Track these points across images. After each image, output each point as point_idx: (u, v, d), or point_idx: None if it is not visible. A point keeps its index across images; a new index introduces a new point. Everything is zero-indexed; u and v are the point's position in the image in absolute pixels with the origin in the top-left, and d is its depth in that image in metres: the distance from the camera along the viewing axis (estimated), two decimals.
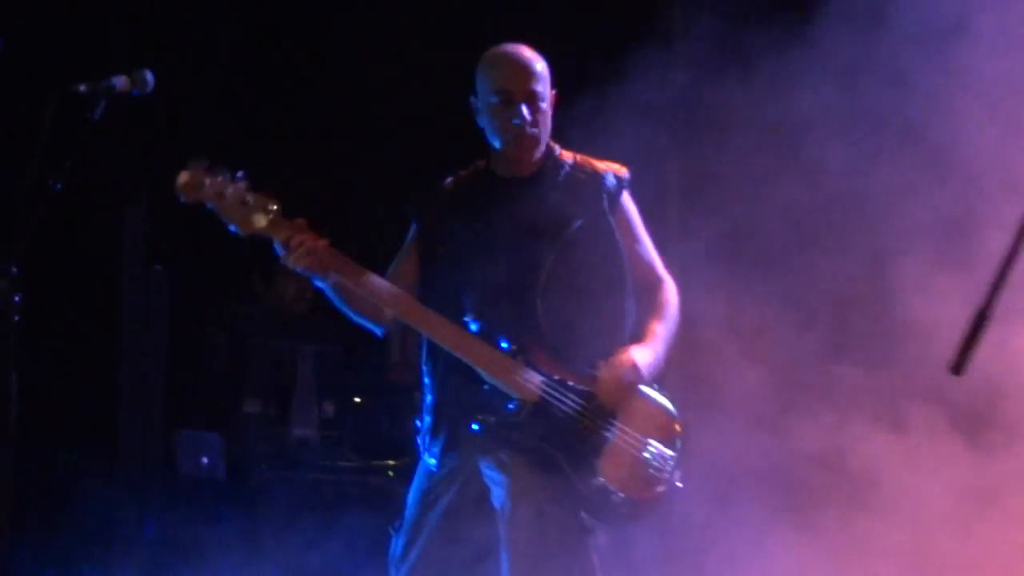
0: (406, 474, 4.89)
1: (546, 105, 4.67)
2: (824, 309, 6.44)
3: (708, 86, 6.89)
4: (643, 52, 6.93)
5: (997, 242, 3.39)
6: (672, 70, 7.30)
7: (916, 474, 5.76)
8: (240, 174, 4.32)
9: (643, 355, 4.54)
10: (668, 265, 5.09)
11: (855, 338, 6.53)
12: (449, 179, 4.91)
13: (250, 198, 4.35)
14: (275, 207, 4.46)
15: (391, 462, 6.30)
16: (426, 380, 4.64)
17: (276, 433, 7.22)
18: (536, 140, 4.62)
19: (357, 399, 7.32)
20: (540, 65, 4.70)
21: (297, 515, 6.22)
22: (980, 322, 3.23)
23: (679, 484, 4.60)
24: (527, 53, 4.73)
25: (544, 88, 4.67)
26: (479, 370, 4.45)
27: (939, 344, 4.45)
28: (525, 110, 4.59)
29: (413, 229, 4.86)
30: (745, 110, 6.50)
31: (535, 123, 4.63)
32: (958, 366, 3.23)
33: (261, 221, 4.47)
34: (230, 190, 4.28)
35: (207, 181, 4.24)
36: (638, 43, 7.07)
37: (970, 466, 5.61)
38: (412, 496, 4.64)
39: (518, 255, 4.63)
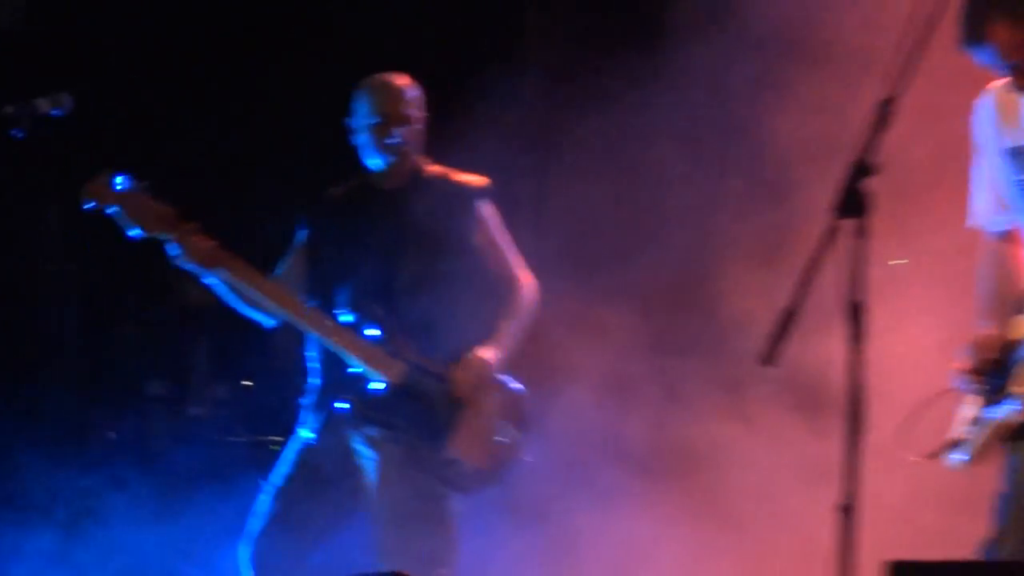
0: None
1: (417, 127, 4.92)
2: (660, 304, 6.51)
3: (557, 104, 7.14)
4: (500, 74, 7.14)
5: (809, 245, 3.49)
6: (525, 89, 7.36)
7: (753, 452, 5.94)
8: (141, 183, 4.67)
9: (493, 353, 4.85)
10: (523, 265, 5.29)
11: (689, 330, 6.58)
12: (332, 190, 5.15)
13: (149, 204, 4.58)
14: (171, 212, 4.71)
15: (276, 438, 6.38)
16: (309, 366, 4.88)
17: (176, 411, 7.38)
18: (407, 157, 4.89)
19: (247, 382, 7.47)
20: (412, 92, 4.97)
21: (195, 483, 6.41)
22: (787, 318, 3.37)
23: (527, 459, 4.92)
24: (401, 81, 5.10)
25: (415, 112, 4.94)
26: (348, 356, 4.72)
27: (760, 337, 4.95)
28: (399, 131, 4.84)
29: (301, 233, 5.10)
30: (591, 125, 6.73)
31: (407, 142, 4.97)
32: (767, 358, 3.39)
33: (158, 225, 4.72)
34: (131, 197, 4.54)
35: (111, 189, 4.59)
36: (496, 66, 7.26)
37: (804, 444, 5.66)
38: (286, 462, 4.85)
39: (387, 257, 4.94)
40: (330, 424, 4.82)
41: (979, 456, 4.12)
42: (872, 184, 3.41)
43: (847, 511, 3.28)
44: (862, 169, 3.41)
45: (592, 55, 7.12)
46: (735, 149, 6.36)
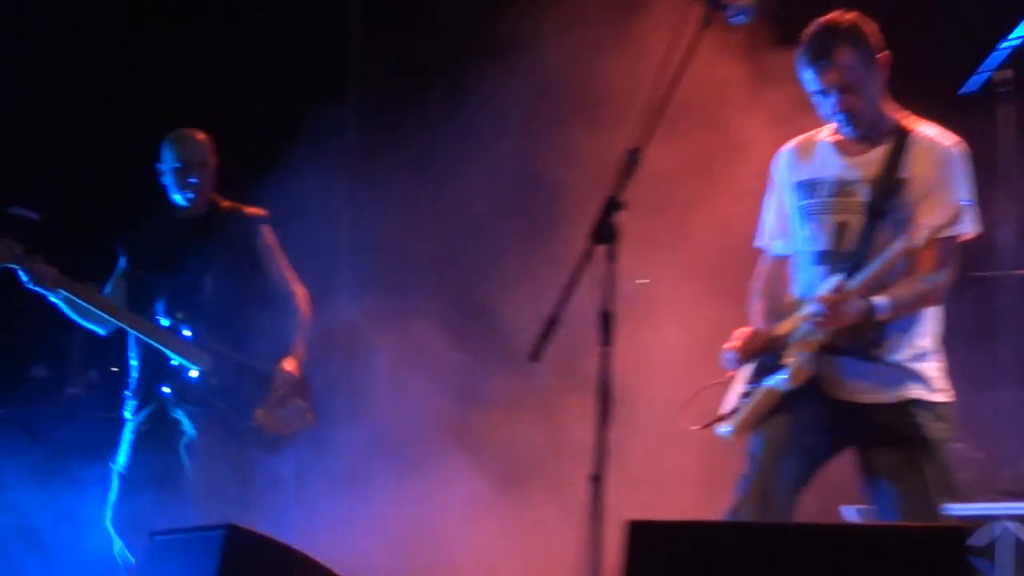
0: None
1: (211, 170, 5.61)
2: (457, 314, 6.74)
3: (375, 137, 7.23)
4: (323, 109, 7.24)
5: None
6: (345, 123, 7.47)
7: (535, 431, 6.13)
8: None
9: (294, 361, 5.55)
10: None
11: (480, 334, 6.69)
12: (143, 221, 5.77)
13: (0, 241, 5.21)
14: (19, 247, 5.25)
15: None
16: (131, 362, 5.53)
17: (56, 391, 7.53)
18: (203, 194, 5.56)
19: (114, 368, 7.32)
20: (207, 143, 5.63)
21: (73, 454, 6.62)
22: (549, 325, 3.56)
23: (311, 423, 5.63)
24: (199, 135, 5.65)
25: (210, 158, 5.62)
26: (169, 351, 5.42)
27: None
28: (198, 174, 5.53)
29: (121, 257, 5.74)
30: (402, 157, 6.88)
31: (203, 183, 5.58)
32: (533, 355, 3.57)
33: (8, 257, 5.28)
34: None
35: None
36: (320, 101, 7.34)
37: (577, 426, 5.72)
38: (126, 441, 5.49)
39: (192, 273, 5.56)
40: (157, 405, 5.46)
41: (742, 426, 4.25)
42: (620, 217, 3.54)
43: (596, 480, 3.42)
44: (612, 205, 3.54)
45: (408, 90, 7.26)
46: (519, 184, 6.46)
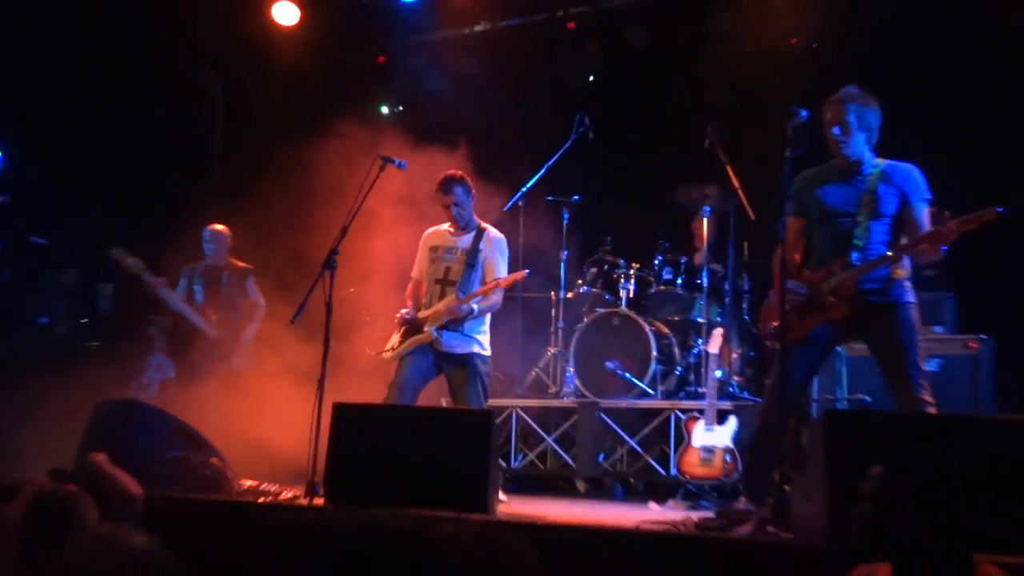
0: None
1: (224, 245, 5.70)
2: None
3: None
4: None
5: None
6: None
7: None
8: None
9: None
10: None
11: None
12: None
13: None
14: (143, 264, 5.26)
15: None
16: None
17: None
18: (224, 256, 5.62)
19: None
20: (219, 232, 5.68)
21: None
22: (302, 306, 3.95)
23: None
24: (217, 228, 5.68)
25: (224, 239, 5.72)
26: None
27: None
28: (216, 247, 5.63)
29: (182, 280, 5.68)
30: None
31: (220, 248, 5.68)
32: (293, 319, 4.00)
33: (142, 270, 5.27)
34: None
35: None
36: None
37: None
38: None
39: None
40: None
41: (396, 355, 4.50)
42: (337, 259, 4.03)
43: (320, 382, 3.81)
44: (334, 252, 4.05)
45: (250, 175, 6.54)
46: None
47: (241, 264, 6.03)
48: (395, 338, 4.68)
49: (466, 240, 4.66)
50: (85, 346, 6.49)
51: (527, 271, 4.56)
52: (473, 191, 4.69)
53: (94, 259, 6.21)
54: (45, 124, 6.92)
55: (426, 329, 4.52)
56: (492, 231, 4.71)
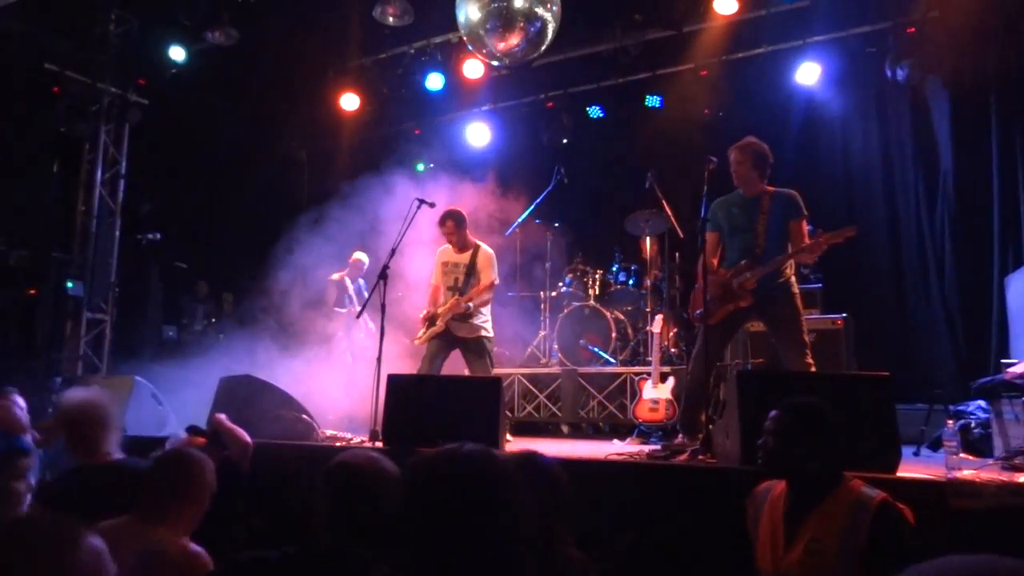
0: None
1: None
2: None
3: None
4: None
5: None
6: None
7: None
8: None
9: None
10: None
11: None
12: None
13: None
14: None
15: None
16: None
17: None
18: None
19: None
20: None
21: None
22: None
23: None
24: None
25: None
26: None
27: None
28: None
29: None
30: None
31: None
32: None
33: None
34: None
35: None
36: None
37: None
38: None
39: None
40: None
41: (423, 340, 4.36)
42: (389, 270, 3.97)
43: (378, 361, 3.75)
44: (386, 267, 4.01)
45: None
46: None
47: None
48: (423, 330, 4.57)
49: (465, 257, 4.53)
50: (215, 337, 6.47)
51: (495, 281, 4.41)
52: (465, 220, 4.48)
53: (219, 275, 6.18)
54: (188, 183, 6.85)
55: (440, 323, 4.42)
56: (484, 248, 4.53)
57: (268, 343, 5.36)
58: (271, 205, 7.08)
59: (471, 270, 4.50)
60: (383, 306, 4.01)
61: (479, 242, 4.62)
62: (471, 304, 4.38)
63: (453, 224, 4.48)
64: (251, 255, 6.03)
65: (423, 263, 5.36)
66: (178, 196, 6.80)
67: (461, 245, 4.56)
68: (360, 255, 5.92)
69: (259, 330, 5.66)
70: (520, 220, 6.10)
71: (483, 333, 4.49)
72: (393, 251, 4.14)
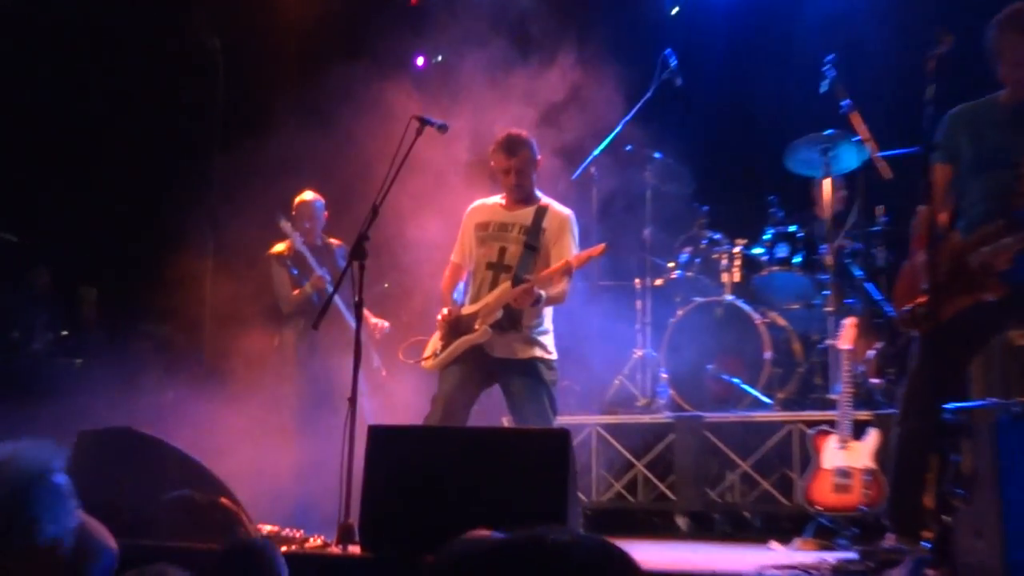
0: None
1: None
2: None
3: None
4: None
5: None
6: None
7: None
8: None
9: None
10: None
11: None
12: None
13: None
14: None
15: None
16: None
17: None
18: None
19: None
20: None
21: None
22: (327, 305, 4.20)
23: None
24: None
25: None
26: None
27: None
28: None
29: None
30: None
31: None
32: (315, 325, 4.18)
33: None
34: None
35: None
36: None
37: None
38: None
39: None
40: None
41: (440, 363, 4.57)
42: (367, 245, 4.14)
43: (352, 402, 3.92)
44: (363, 238, 4.15)
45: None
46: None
47: (336, 240, 6.20)
48: (436, 341, 4.70)
49: (525, 216, 4.69)
50: (67, 364, 6.60)
51: (604, 245, 4.55)
52: (539, 157, 4.74)
53: (73, 257, 6.34)
54: None
55: (477, 327, 4.53)
56: (557, 207, 4.74)
57: (163, 372, 5.65)
58: (160, 133, 7.25)
59: (535, 240, 4.64)
60: (358, 303, 4.09)
61: (547, 198, 4.81)
62: (542, 293, 4.46)
63: (528, 158, 4.65)
64: (130, 223, 6.30)
65: (429, 230, 5.45)
66: (4, 122, 7.03)
67: (524, 196, 4.73)
68: (309, 196, 6.08)
69: (146, 349, 5.94)
70: (596, 153, 6.22)
71: (539, 353, 4.60)
72: (375, 210, 4.26)
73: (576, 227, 4.74)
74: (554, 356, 4.66)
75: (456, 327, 4.64)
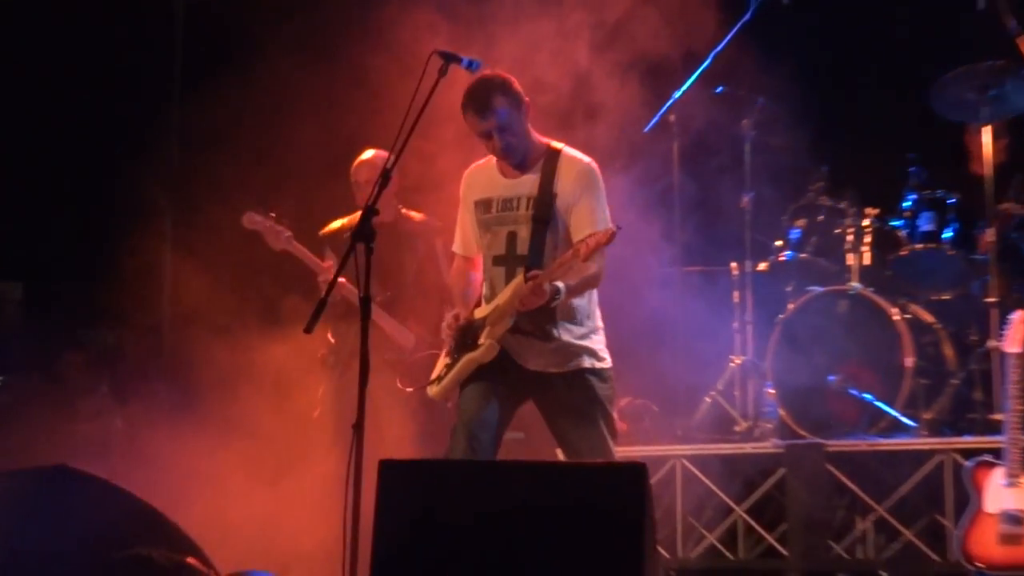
0: None
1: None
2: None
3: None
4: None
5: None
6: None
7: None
8: None
9: None
10: None
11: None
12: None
13: None
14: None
15: None
16: None
17: None
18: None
19: None
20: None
21: None
22: (320, 306, 4.03)
23: None
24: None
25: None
26: None
27: None
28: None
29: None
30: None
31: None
32: (308, 327, 4.02)
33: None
34: None
35: None
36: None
37: None
38: None
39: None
40: None
41: (445, 388, 4.63)
42: (374, 223, 4.02)
43: (357, 428, 3.80)
44: (371, 212, 4.04)
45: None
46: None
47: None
48: (444, 361, 4.75)
49: (530, 183, 4.66)
50: None
51: (612, 230, 4.38)
52: (523, 99, 4.64)
53: None
54: None
55: (482, 340, 4.57)
56: (569, 154, 4.69)
57: (111, 392, 5.87)
58: (106, 79, 7.39)
59: (545, 210, 4.64)
60: (364, 299, 4.04)
61: (555, 143, 4.76)
62: (559, 286, 4.45)
63: (504, 111, 4.60)
64: (62, 198, 6.50)
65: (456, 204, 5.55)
66: None
67: (520, 157, 4.73)
68: (373, 153, 6.03)
69: (87, 362, 6.11)
70: (678, 94, 6.26)
71: (587, 361, 4.65)
72: (385, 176, 4.19)
73: (599, 180, 4.67)
74: (608, 363, 4.66)
75: (464, 339, 4.67)
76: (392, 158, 4.22)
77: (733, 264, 6.50)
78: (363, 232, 4.12)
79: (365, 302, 4.08)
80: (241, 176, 6.26)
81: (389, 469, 3.70)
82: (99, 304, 6.74)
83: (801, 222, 6.41)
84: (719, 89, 6.46)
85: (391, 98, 5.03)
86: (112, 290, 6.50)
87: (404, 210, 6.12)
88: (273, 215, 5.90)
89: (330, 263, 5.90)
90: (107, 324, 6.88)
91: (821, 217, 6.36)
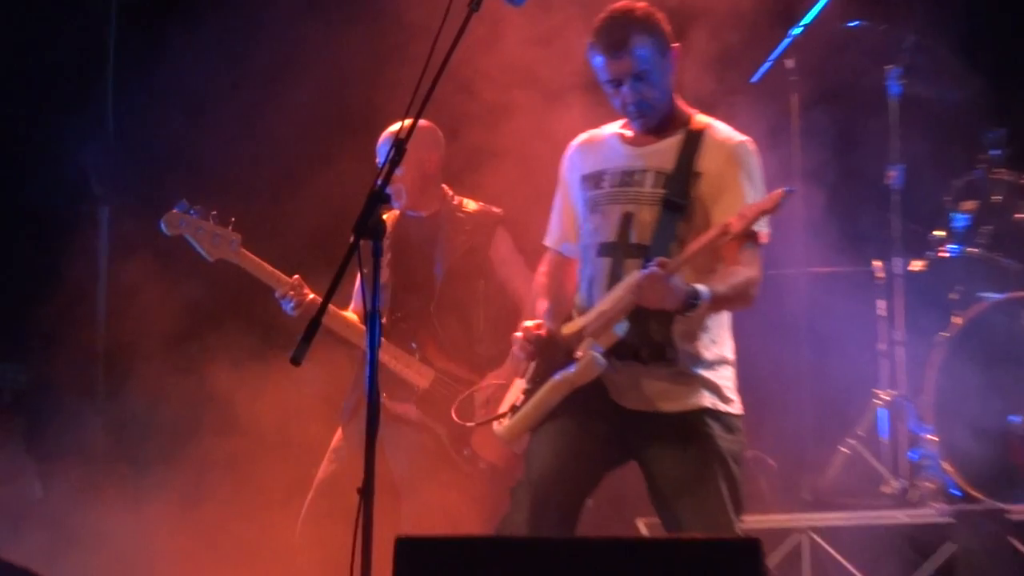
0: None
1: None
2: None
3: None
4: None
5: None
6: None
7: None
8: None
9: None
10: None
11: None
12: None
13: None
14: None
15: None
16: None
17: None
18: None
19: None
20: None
21: None
22: (312, 328, 4.07)
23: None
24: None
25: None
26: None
27: None
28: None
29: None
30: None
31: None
32: (296, 359, 4.02)
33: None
34: None
35: None
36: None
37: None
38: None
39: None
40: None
41: (521, 424, 4.74)
42: (384, 211, 4.22)
43: (365, 493, 3.78)
44: (379, 198, 4.11)
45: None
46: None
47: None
48: (518, 387, 4.83)
49: (664, 153, 4.76)
50: None
51: (783, 191, 4.47)
52: (673, 45, 4.77)
53: None
54: None
55: (580, 353, 4.61)
56: (722, 130, 4.82)
57: (25, 449, 6.07)
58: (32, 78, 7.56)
59: (679, 190, 4.73)
60: (371, 313, 4.10)
61: (702, 115, 4.91)
62: (701, 289, 4.48)
63: (647, 51, 4.71)
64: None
65: (499, 187, 5.81)
66: None
67: (658, 118, 4.84)
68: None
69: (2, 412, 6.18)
70: (796, 30, 6.36)
71: (709, 400, 4.72)
72: (399, 146, 4.19)
73: (758, 164, 4.79)
74: (737, 406, 4.73)
75: (550, 358, 4.73)
76: (411, 123, 4.22)
77: (876, 262, 6.54)
78: (366, 225, 4.11)
79: (371, 318, 4.11)
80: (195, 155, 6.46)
81: (408, 548, 3.68)
82: (7, 330, 6.86)
83: (970, 205, 6.43)
84: (854, 23, 6.48)
85: (400, 46, 5.34)
86: (25, 313, 6.64)
87: (455, 198, 6.26)
88: (214, 213, 5.96)
89: (298, 277, 6.02)
90: (17, 357, 6.94)
91: (998, 197, 6.37)
